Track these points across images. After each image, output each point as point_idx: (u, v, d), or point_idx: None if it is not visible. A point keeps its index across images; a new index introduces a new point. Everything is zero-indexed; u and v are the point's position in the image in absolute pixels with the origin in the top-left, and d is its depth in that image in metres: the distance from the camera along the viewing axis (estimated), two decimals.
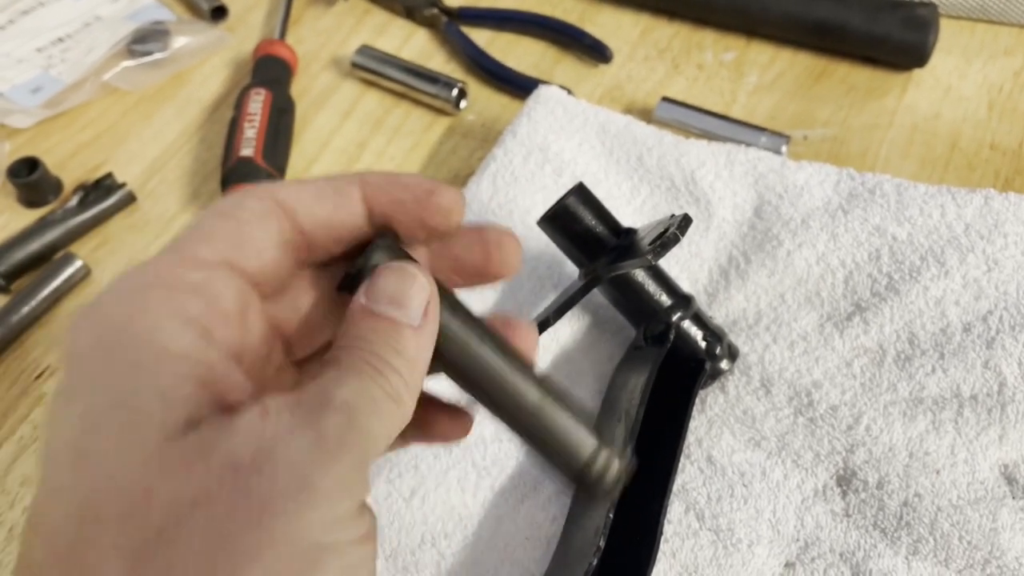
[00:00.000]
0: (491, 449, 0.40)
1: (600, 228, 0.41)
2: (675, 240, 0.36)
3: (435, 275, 0.26)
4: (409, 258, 0.26)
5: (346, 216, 0.25)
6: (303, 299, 0.27)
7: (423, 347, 0.24)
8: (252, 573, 0.19)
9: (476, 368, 0.26)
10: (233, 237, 0.24)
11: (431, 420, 0.29)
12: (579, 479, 0.27)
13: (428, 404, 0.29)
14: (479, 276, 0.28)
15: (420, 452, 0.40)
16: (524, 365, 0.26)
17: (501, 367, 0.26)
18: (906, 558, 0.36)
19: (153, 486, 0.19)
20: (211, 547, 0.19)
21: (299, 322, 0.27)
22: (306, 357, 0.29)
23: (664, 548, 0.37)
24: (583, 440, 0.27)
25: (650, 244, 0.37)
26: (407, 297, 0.24)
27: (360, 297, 0.24)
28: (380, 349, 0.23)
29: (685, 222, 0.37)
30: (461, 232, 0.27)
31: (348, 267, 0.25)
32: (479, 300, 0.45)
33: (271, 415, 0.21)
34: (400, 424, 0.23)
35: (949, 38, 0.58)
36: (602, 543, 0.34)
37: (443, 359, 0.26)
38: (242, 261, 0.24)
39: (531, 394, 0.26)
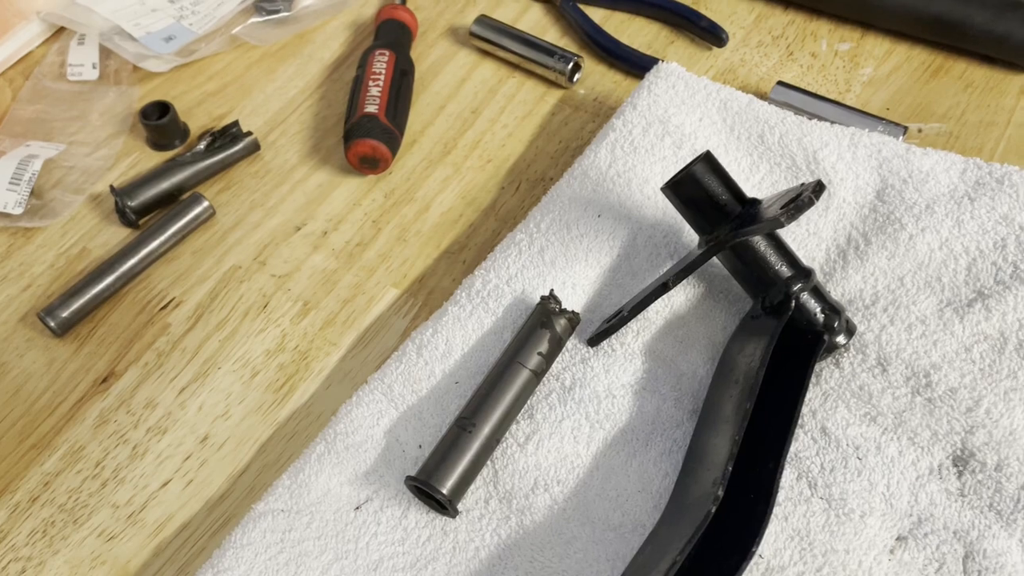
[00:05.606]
0: (604, 404, 0.41)
1: (725, 196, 0.41)
2: (809, 203, 0.37)
3: None
4: None
5: None
6: None
7: None
8: None
9: None
10: None
11: None
12: None
13: None
14: None
15: (536, 401, 0.41)
16: None
17: None
18: (1021, 540, 0.36)
19: None
20: None
21: None
22: None
23: (776, 511, 0.37)
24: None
25: (782, 208, 0.38)
26: None
27: None
28: None
29: (819, 188, 0.37)
30: None
31: None
32: (594, 267, 0.46)
33: None
34: None
35: None
36: (721, 492, 0.35)
37: None
38: None
39: None
